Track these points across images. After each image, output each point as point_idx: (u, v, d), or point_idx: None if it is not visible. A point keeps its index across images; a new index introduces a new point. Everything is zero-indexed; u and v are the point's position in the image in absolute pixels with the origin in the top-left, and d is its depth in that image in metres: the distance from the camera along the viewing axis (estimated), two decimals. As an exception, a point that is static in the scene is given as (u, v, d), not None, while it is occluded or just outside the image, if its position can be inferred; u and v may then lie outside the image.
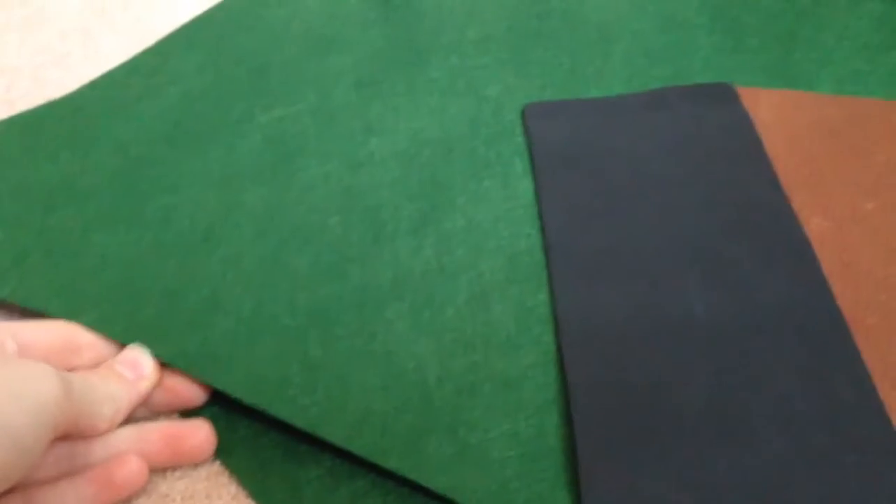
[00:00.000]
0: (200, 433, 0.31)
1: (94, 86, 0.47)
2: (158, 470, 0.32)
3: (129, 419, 0.32)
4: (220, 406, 0.33)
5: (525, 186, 0.41)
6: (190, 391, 0.33)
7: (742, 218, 0.37)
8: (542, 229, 0.38)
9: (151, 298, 0.36)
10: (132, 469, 0.29)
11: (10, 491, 0.28)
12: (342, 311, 0.35)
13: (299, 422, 0.32)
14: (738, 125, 0.41)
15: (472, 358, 0.34)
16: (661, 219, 0.38)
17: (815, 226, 0.36)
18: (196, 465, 0.32)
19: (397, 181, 0.41)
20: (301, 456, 0.32)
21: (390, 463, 0.31)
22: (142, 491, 0.31)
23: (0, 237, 0.39)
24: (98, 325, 0.34)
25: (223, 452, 0.32)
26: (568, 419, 0.32)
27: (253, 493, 0.31)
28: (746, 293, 0.34)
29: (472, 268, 0.37)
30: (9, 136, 0.44)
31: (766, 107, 0.42)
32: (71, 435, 0.29)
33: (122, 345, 0.33)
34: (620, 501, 0.29)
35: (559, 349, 0.34)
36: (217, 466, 0.32)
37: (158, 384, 0.32)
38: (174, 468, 0.32)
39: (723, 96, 0.43)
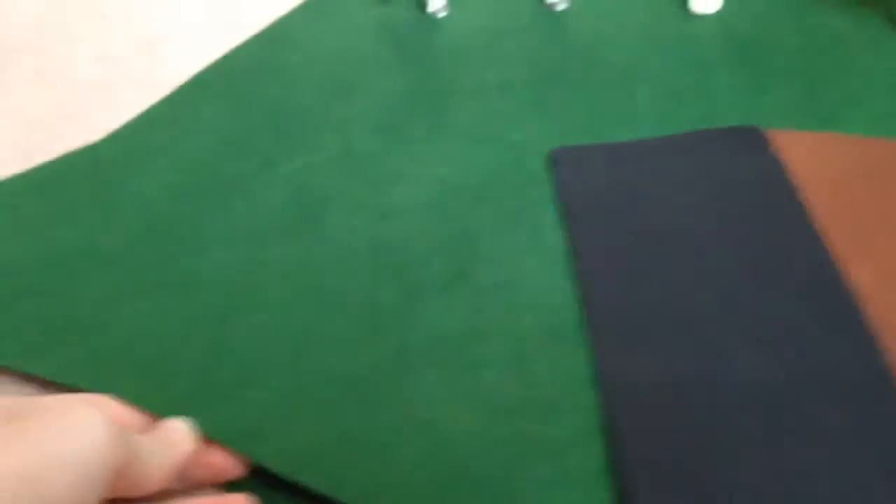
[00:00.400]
0: None
1: (112, 139, 0.47)
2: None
3: (171, 497, 0.31)
4: (261, 479, 0.32)
5: (556, 237, 0.40)
6: (228, 464, 0.32)
7: (780, 271, 0.36)
8: (577, 282, 0.37)
9: (183, 373, 0.35)
10: None
11: None
12: (379, 378, 0.34)
13: (341, 496, 0.31)
14: (770, 171, 0.41)
15: (515, 425, 0.33)
16: (698, 274, 0.37)
17: (859, 277, 0.35)
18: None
19: (425, 234, 0.40)
20: None
21: None
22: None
23: (29, 308, 0.38)
24: (135, 399, 0.33)
25: None
26: (619, 490, 0.31)
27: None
28: (794, 354, 0.33)
29: (509, 326, 0.36)
30: (30, 193, 0.43)
31: (798, 150, 0.42)
32: (119, 493, 0.27)
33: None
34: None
35: (604, 415, 0.33)
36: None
37: (197, 461, 0.31)
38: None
39: (751, 140, 0.42)
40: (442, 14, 0.54)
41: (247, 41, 0.53)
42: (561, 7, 0.54)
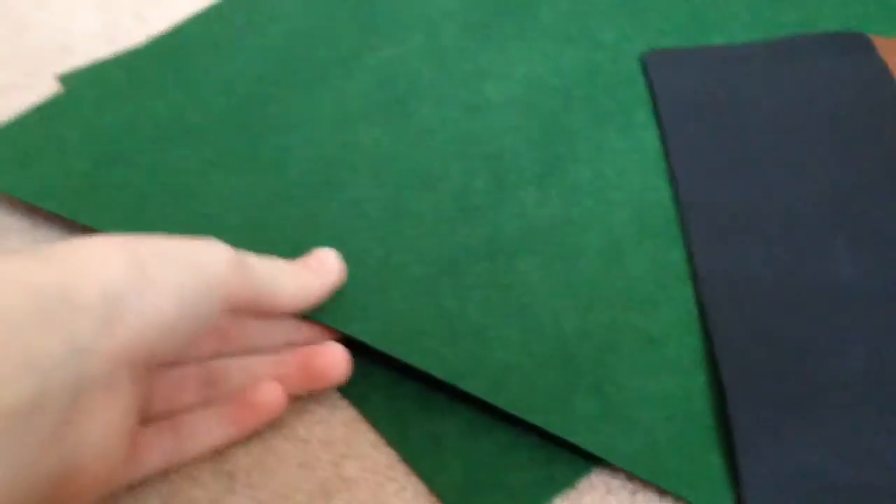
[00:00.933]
0: (333, 352, 0.31)
1: (195, 21, 0.46)
2: (296, 395, 0.31)
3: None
4: (355, 354, 0.33)
5: (650, 137, 0.39)
6: (316, 333, 0.32)
7: (888, 176, 0.36)
8: (672, 183, 0.37)
9: (277, 246, 0.35)
10: (270, 393, 0.30)
11: (157, 417, 0.29)
12: (472, 261, 0.34)
13: (441, 373, 0.31)
14: (875, 77, 0.39)
15: (610, 314, 0.33)
16: (799, 176, 0.36)
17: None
18: (332, 387, 0.31)
19: (517, 128, 0.40)
20: (440, 406, 0.31)
21: (537, 419, 0.30)
22: (280, 417, 0.31)
23: (120, 176, 0.38)
24: None
25: (360, 400, 0.32)
26: (715, 382, 0.31)
27: (393, 443, 0.31)
28: (894, 256, 0.33)
29: (602, 221, 0.36)
30: (115, 73, 0.44)
31: (903, 58, 0.40)
32: (250, 309, 0.29)
33: None
34: (778, 472, 0.28)
35: (701, 310, 0.33)
36: (355, 414, 0.32)
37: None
38: (311, 393, 0.32)
39: (857, 46, 0.41)
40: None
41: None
42: None
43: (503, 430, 0.31)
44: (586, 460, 0.30)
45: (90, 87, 0.43)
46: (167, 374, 0.30)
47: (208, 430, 0.30)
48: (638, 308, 0.33)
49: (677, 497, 0.29)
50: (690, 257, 0.34)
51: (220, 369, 0.31)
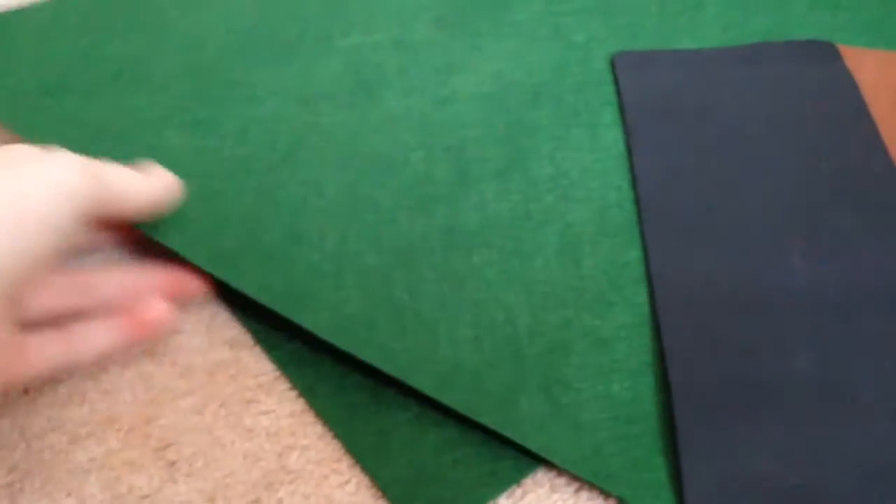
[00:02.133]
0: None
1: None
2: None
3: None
4: (303, 344, 0.33)
5: (614, 137, 0.39)
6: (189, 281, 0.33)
7: (847, 183, 0.36)
8: (634, 183, 0.37)
9: (232, 225, 0.34)
10: (158, 310, 0.31)
11: (45, 324, 0.30)
12: (428, 252, 0.34)
13: (389, 368, 0.31)
14: (840, 85, 0.40)
15: (563, 313, 0.33)
16: (759, 180, 0.36)
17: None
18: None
19: (481, 122, 0.39)
20: (387, 399, 0.31)
21: (483, 418, 0.30)
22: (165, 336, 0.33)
23: (71, 106, 0.38)
24: (182, 249, 0.33)
25: (308, 391, 0.32)
26: (663, 385, 0.31)
27: (339, 435, 0.31)
28: (851, 263, 0.33)
29: (561, 218, 0.36)
30: (74, 8, 0.43)
31: (869, 67, 0.40)
32: (111, 215, 0.30)
33: None
34: (720, 474, 0.28)
35: (654, 312, 0.32)
36: (302, 405, 0.32)
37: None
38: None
39: (824, 54, 0.41)
40: None
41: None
42: None
43: (450, 425, 0.31)
44: (532, 458, 0.30)
45: (47, 12, 0.42)
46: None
47: (97, 338, 0.30)
48: (591, 308, 0.33)
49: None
50: (646, 258, 0.34)
51: (96, 278, 0.32)
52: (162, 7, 0.44)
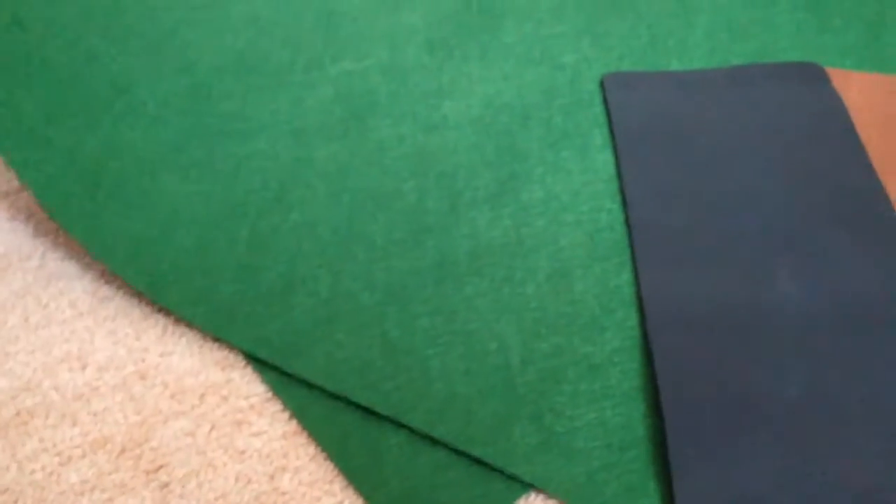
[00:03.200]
0: None
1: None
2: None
3: None
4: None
5: (604, 159, 0.39)
6: None
7: (835, 204, 0.36)
8: (624, 205, 0.37)
9: (227, 274, 0.34)
10: None
11: None
12: (420, 286, 0.34)
13: (382, 408, 0.31)
14: (828, 107, 0.40)
15: (555, 340, 0.33)
16: (748, 200, 0.37)
17: (909, 218, 0.35)
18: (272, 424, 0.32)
19: (473, 147, 0.40)
20: (380, 421, 0.31)
21: (475, 450, 0.30)
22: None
23: (71, 139, 0.38)
24: (177, 308, 0.33)
25: (301, 413, 0.32)
26: (655, 409, 0.31)
27: (332, 457, 0.31)
28: (840, 282, 0.33)
29: (552, 242, 0.36)
30: (74, 17, 0.43)
31: (856, 90, 0.41)
32: None
33: None
34: (713, 497, 0.28)
35: (645, 335, 0.33)
36: (295, 426, 0.32)
37: None
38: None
39: (812, 76, 0.42)
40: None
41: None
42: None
43: (443, 447, 0.31)
44: (523, 482, 0.30)
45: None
46: None
47: None
48: (583, 333, 0.33)
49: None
50: (637, 281, 0.34)
51: None
52: (156, 18, 0.44)
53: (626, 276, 0.35)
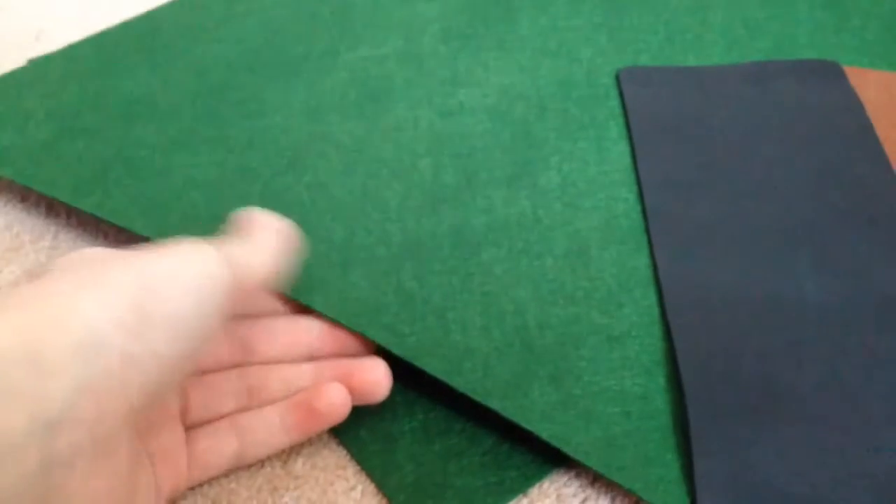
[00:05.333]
0: (377, 369, 0.29)
1: (172, 7, 0.46)
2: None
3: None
4: None
5: (620, 151, 0.39)
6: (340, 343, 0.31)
7: (854, 201, 0.36)
8: (640, 195, 0.37)
9: None
10: (335, 395, 0.28)
11: (218, 419, 0.28)
12: (437, 247, 0.34)
13: (398, 349, 0.30)
14: (846, 104, 0.40)
15: (573, 310, 0.32)
16: (764, 196, 0.36)
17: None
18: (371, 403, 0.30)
19: (489, 133, 0.40)
20: (393, 406, 0.31)
21: (493, 403, 0.29)
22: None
23: (82, 148, 0.38)
24: None
25: None
26: (674, 383, 0.30)
27: (345, 442, 0.30)
28: (859, 279, 0.33)
29: (569, 223, 0.36)
30: (86, 50, 0.43)
31: (873, 88, 0.41)
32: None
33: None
34: (732, 478, 0.27)
35: (663, 314, 0.32)
36: (307, 410, 0.31)
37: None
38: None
39: (829, 74, 0.42)
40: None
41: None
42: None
43: (456, 433, 0.30)
44: (538, 468, 0.29)
45: (57, 64, 0.42)
46: (202, 380, 0.29)
47: (269, 435, 0.28)
48: (600, 307, 0.32)
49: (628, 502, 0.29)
50: (654, 265, 0.34)
51: (259, 377, 0.29)
52: (167, 41, 0.44)
53: (644, 259, 0.34)
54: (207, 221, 0.34)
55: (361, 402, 0.29)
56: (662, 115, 0.40)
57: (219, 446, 0.28)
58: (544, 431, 0.29)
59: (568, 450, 0.28)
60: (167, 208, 0.35)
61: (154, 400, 0.22)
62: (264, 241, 0.27)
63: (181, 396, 0.28)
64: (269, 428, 0.28)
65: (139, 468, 0.24)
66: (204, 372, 0.29)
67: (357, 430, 0.30)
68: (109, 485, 0.21)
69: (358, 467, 0.30)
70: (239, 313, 0.29)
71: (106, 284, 0.21)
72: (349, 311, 0.31)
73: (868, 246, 0.34)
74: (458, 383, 0.30)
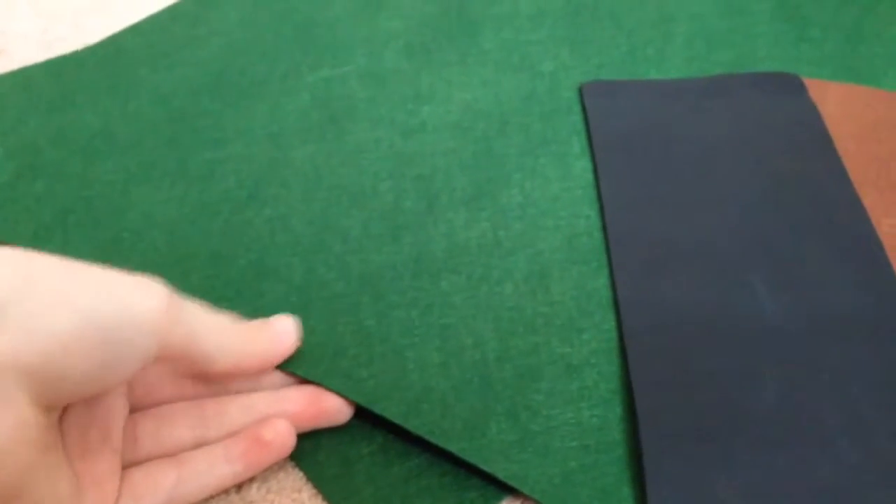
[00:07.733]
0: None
1: (134, 30, 0.46)
2: (299, 432, 0.30)
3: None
4: None
5: (582, 166, 0.39)
6: (337, 406, 0.30)
7: (811, 215, 0.36)
8: (601, 211, 0.37)
9: (198, 262, 0.34)
10: (280, 429, 0.28)
11: (150, 457, 0.28)
12: (396, 278, 0.34)
13: (355, 396, 0.30)
14: (805, 117, 0.40)
15: (532, 339, 0.32)
16: (724, 210, 0.36)
17: (886, 227, 0.35)
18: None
19: (451, 151, 0.39)
20: (352, 431, 0.31)
21: (451, 445, 0.29)
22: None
23: (41, 189, 0.37)
24: None
25: None
26: (632, 412, 0.31)
27: (302, 466, 0.30)
28: (817, 295, 0.33)
29: (530, 245, 0.36)
30: (47, 78, 0.43)
31: (833, 101, 0.41)
32: (184, 365, 0.27)
33: None
34: (686, 501, 0.28)
35: (621, 338, 0.32)
36: (264, 436, 0.31)
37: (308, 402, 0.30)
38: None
39: (789, 86, 0.42)
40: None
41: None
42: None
43: (415, 455, 0.30)
44: (498, 489, 0.29)
45: (17, 93, 0.42)
46: (152, 411, 0.29)
47: (211, 466, 0.28)
48: (560, 334, 0.32)
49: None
50: (613, 285, 0.34)
51: (215, 406, 0.29)
52: (129, 67, 0.43)
53: (604, 279, 0.34)
54: (168, 265, 0.34)
55: (324, 425, 0.30)
56: (624, 129, 0.40)
57: (153, 477, 0.27)
58: (501, 472, 0.29)
59: (525, 489, 0.29)
60: (128, 251, 0.35)
61: (54, 374, 0.23)
62: (244, 336, 0.29)
63: (129, 426, 0.28)
64: (210, 459, 0.28)
65: (29, 431, 0.24)
66: (158, 403, 0.29)
67: (315, 454, 0.30)
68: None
69: (314, 490, 0.30)
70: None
71: (15, 260, 0.24)
72: (307, 360, 0.31)
73: (825, 261, 0.34)
74: (416, 426, 0.30)
